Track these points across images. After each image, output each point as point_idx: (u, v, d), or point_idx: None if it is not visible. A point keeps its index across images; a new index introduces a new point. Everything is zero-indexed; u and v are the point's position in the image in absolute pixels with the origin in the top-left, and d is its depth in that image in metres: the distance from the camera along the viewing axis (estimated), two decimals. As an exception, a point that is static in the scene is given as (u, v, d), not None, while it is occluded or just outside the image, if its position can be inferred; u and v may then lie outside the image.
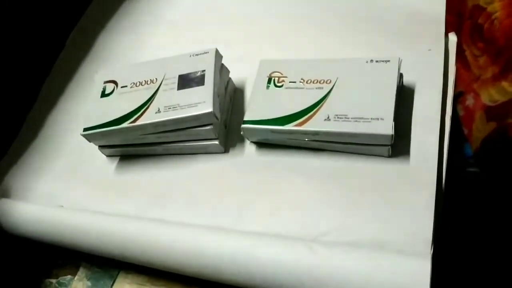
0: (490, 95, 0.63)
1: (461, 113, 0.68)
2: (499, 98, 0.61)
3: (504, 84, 0.60)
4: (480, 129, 0.64)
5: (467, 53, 0.66)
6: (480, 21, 0.62)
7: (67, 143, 0.53)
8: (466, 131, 0.67)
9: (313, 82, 0.43)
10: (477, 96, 0.65)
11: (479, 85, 0.65)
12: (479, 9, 0.62)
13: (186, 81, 0.45)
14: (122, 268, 0.47)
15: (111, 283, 0.47)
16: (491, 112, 0.63)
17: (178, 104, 0.44)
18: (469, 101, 0.67)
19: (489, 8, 0.60)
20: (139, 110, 0.45)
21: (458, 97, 0.68)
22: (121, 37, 0.61)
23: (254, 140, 0.46)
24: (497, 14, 0.60)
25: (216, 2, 0.61)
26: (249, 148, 0.46)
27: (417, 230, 0.37)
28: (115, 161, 0.50)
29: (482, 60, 0.64)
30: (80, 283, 0.48)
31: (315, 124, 0.41)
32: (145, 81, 0.47)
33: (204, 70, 0.45)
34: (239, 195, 0.43)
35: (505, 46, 0.59)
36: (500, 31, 0.59)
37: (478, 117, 0.65)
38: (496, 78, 0.62)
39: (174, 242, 0.41)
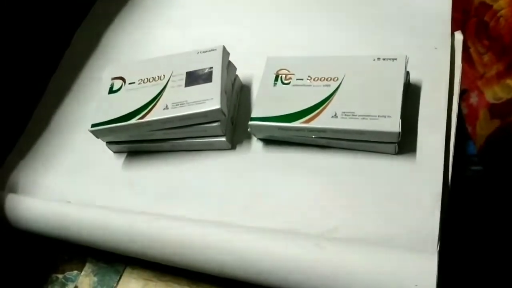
0: (494, 93, 0.63)
1: (465, 111, 0.68)
2: (503, 95, 0.61)
3: (509, 81, 0.60)
4: (483, 127, 0.65)
5: (472, 50, 0.66)
6: (486, 18, 0.62)
7: (74, 139, 0.53)
8: (470, 129, 0.67)
9: (320, 80, 0.43)
10: (481, 94, 0.65)
11: (484, 82, 0.65)
12: (485, 7, 0.62)
13: (193, 78, 0.45)
14: (128, 263, 0.48)
15: (118, 278, 0.47)
16: (495, 110, 0.63)
17: (186, 101, 0.44)
18: (473, 99, 0.67)
19: (495, 6, 0.60)
20: (147, 107, 0.45)
21: (462, 95, 0.68)
22: (128, 34, 0.61)
23: (261, 137, 0.46)
24: (502, 12, 0.60)
25: (224, -1, 0.61)
26: (256, 144, 0.46)
27: (423, 227, 0.37)
28: (123, 157, 0.50)
29: (486, 58, 0.64)
30: (87, 278, 0.48)
31: (322, 121, 0.41)
32: (152, 77, 0.47)
33: (212, 67, 0.45)
34: (246, 192, 0.44)
35: (510, 43, 0.59)
36: (505, 29, 0.59)
37: (482, 115, 0.65)
38: (501, 76, 0.62)
39: (180, 237, 0.41)
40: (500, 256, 0.53)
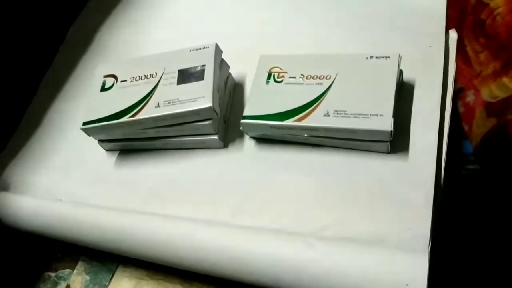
0: (491, 91, 0.62)
1: (461, 109, 0.68)
2: (500, 94, 0.61)
3: (505, 80, 0.60)
4: (480, 125, 0.64)
5: (468, 48, 0.66)
6: (482, 16, 0.62)
7: (66, 137, 0.53)
8: (466, 128, 0.67)
9: (312, 78, 0.43)
10: (477, 92, 0.65)
11: (480, 81, 0.65)
12: (482, 5, 0.61)
13: (186, 76, 0.45)
14: (120, 262, 0.48)
15: (110, 277, 0.47)
16: (491, 108, 0.62)
17: (178, 99, 0.44)
18: (470, 97, 0.67)
19: (492, 4, 0.60)
20: (139, 105, 0.45)
21: (458, 93, 0.67)
22: (121, 32, 0.61)
23: (254, 135, 0.46)
24: (499, 10, 0.59)
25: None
26: (248, 143, 0.46)
27: (415, 226, 0.37)
28: (115, 155, 0.50)
29: (483, 56, 0.64)
30: (79, 277, 0.48)
31: (315, 119, 0.41)
32: (145, 75, 0.47)
33: (204, 65, 0.45)
34: (238, 190, 0.44)
35: (507, 41, 0.59)
36: (502, 27, 0.59)
37: (478, 113, 0.65)
38: (497, 74, 0.61)
39: (172, 236, 0.41)
40: (495, 256, 0.53)
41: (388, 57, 0.43)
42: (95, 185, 0.48)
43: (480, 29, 0.63)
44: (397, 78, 0.42)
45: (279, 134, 0.44)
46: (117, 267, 0.48)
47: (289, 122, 0.42)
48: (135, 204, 0.45)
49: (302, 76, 0.44)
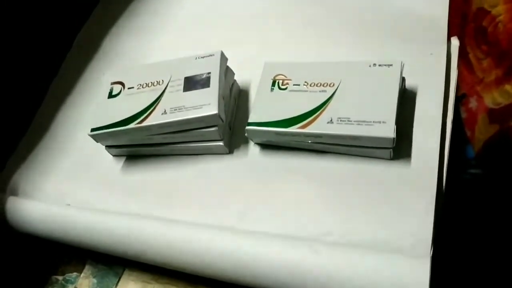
0: (493, 98, 0.63)
1: (464, 115, 0.68)
2: (502, 101, 0.61)
3: (508, 87, 0.60)
4: (482, 131, 0.65)
5: (471, 55, 0.66)
6: (484, 24, 0.62)
7: (74, 143, 0.54)
8: (468, 133, 0.67)
9: (316, 85, 0.44)
10: (480, 98, 0.65)
11: (483, 87, 0.65)
12: (483, 12, 0.62)
13: (191, 83, 0.46)
14: (127, 265, 0.48)
15: (116, 280, 0.48)
16: (494, 115, 0.63)
17: (184, 106, 0.45)
18: (472, 103, 0.67)
19: (493, 11, 0.61)
20: (146, 111, 0.45)
21: (461, 99, 0.68)
22: (128, 39, 0.62)
23: (258, 141, 0.47)
24: (501, 17, 0.60)
25: (222, 4, 0.61)
26: (253, 149, 0.47)
27: (417, 232, 0.37)
28: (122, 160, 0.50)
29: (485, 63, 0.64)
30: (86, 280, 0.49)
31: (318, 126, 0.42)
32: (151, 82, 0.47)
33: (210, 73, 0.46)
34: (243, 196, 0.44)
35: (509, 49, 0.59)
36: (503, 34, 0.60)
37: (481, 119, 0.65)
38: (500, 81, 0.62)
39: (178, 241, 0.42)
40: (497, 260, 0.53)
41: (391, 64, 0.43)
42: (103, 190, 0.49)
43: (482, 36, 0.63)
44: (399, 86, 0.42)
45: (284, 141, 0.45)
46: (123, 271, 0.48)
47: (293, 129, 0.42)
48: (141, 208, 0.46)
49: (306, 84, 0.44)
